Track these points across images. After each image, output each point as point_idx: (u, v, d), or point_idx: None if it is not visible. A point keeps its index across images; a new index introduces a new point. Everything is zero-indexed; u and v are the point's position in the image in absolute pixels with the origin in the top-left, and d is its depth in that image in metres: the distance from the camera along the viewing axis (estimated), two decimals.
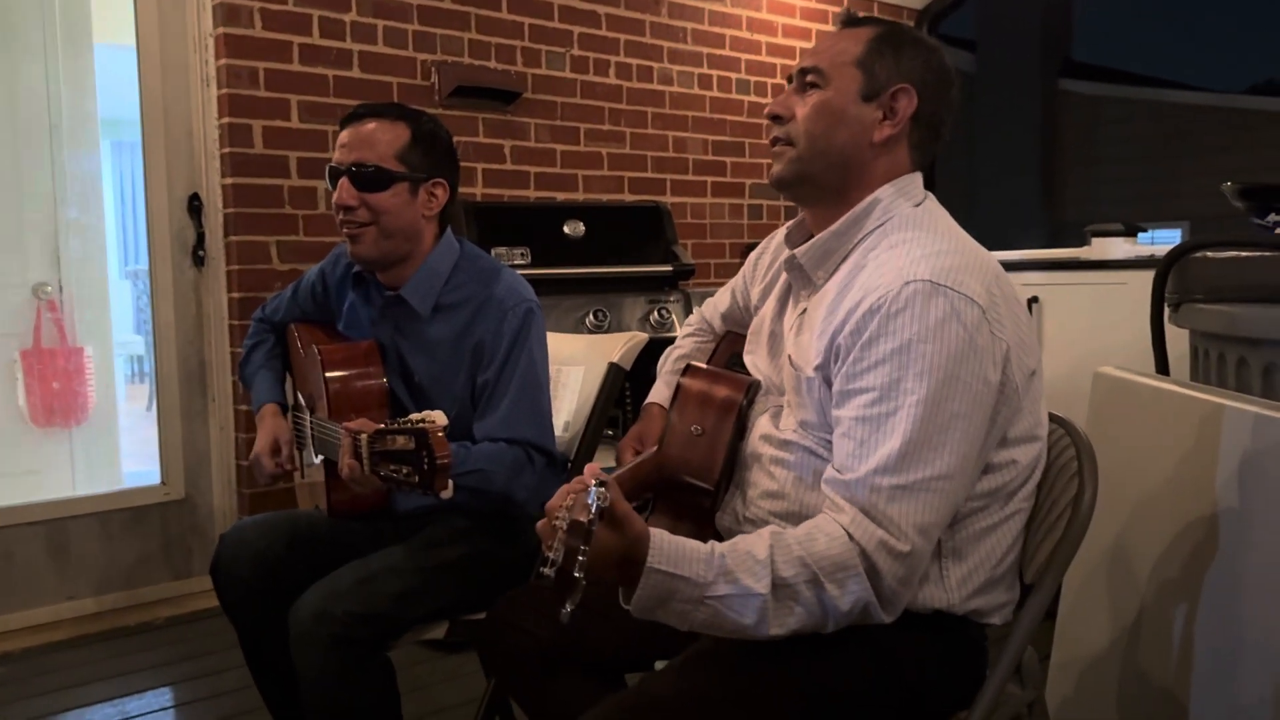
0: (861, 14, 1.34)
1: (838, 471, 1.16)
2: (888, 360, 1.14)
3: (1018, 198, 12.11)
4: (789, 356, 1.33)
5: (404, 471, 1.37)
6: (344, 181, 1.72)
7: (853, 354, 1.17)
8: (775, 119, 1.32)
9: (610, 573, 1.09)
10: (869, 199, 1.29)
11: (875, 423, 1.14)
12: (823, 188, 1.31)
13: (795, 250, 1.34)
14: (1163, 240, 10.75)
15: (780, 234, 1.49)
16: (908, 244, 1.22)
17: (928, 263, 1.18)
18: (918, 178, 1.34)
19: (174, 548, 3.21)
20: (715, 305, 1.67)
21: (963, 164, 11.79)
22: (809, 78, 1.30)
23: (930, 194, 1.34)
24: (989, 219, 11.97)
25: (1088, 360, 2.19)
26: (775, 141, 1.32)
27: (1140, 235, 3.42)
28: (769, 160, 1.35)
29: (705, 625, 1.11)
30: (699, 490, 1.37)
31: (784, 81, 4.42)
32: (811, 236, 1.34)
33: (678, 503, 1.41)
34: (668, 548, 1.09)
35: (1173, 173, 11.15)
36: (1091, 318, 2.94)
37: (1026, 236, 10.67)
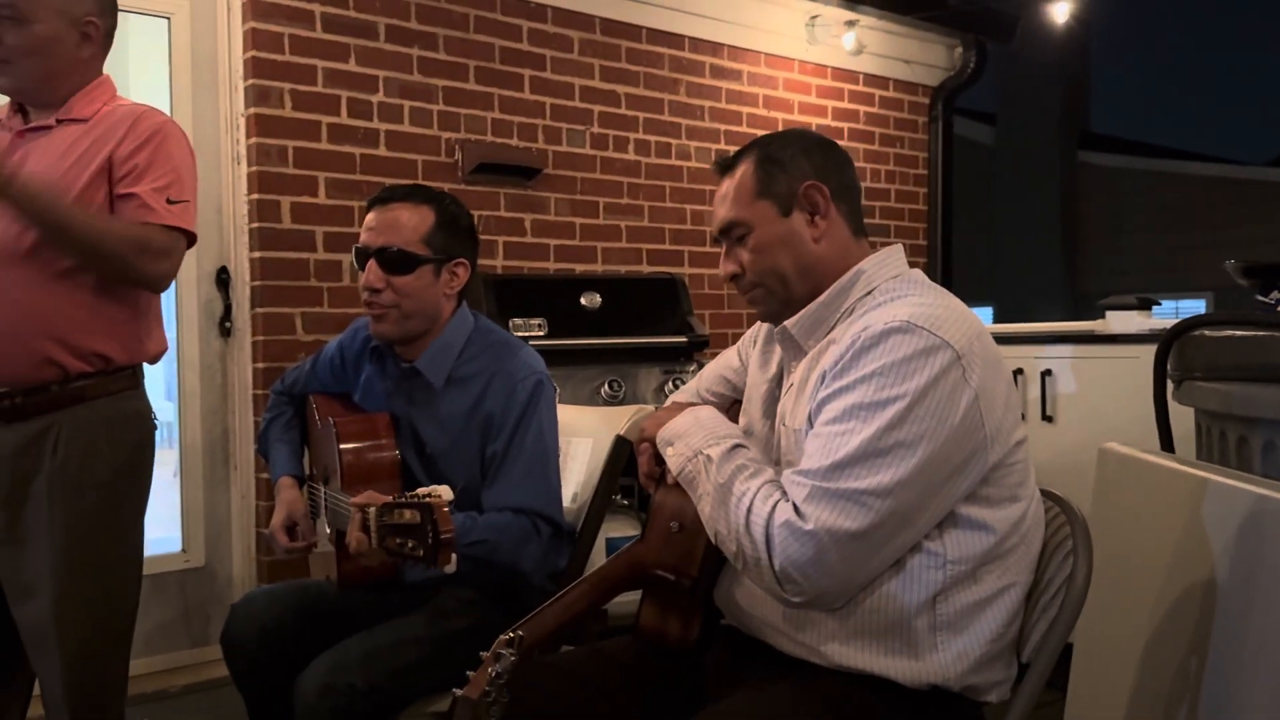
0: (728, 154, 1.47)
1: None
2: (853, 388, 1.22)
3: (1039, 270, 12.13)
4: (783, 420, 1.39)
5: (409, 545, 1.40)
6: (372, 263, 1.79)
7: (826, 381, 1.26)
8: (734, 278, 1.42)
9: (671, 413, 1.43)
10: (853, 270, 1.37)
11: (825, 439, 1.22)
12: (801, 299, 1.40)
13: (786, 322, 1.39)
14: (1186, 312, 10.68)
15: None
16: (895, 302, 1.30)
17: (909, 309, 1.25)
18: (898, 251, 1.40)
19: (193, 615, 3.24)
20: (716, 371, 1.70)
21: (982, 236, 11.86)
22: (736, 232, 1.40)
23: (916, 270, 1.39)
24: (1010, 292, 11.98)
25: (1101, 435, 2.20)
26: (747, 290, 1.42)
27: (1163, 307, 3.43)
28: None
29: (688, 478, 1.34)
30: (677, 586, 1.41)
31: None
32: None
33: (662, 597, 1.44)
34: (711, 413, 1.41)
35: (1195, 244, 11.15)
36: (1105, 392, 2.95)
37: (1048, 309, 10.67)
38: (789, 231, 1.37)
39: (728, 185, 1.41)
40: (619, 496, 3.19)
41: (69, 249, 1.71)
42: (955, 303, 1.31)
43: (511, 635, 1.24)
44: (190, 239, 1.84)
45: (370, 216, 1.82)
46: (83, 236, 1.71)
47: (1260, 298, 2.03)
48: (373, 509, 1.46)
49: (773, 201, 1.37)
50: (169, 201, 1.79)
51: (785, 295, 1.39)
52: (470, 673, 1.22)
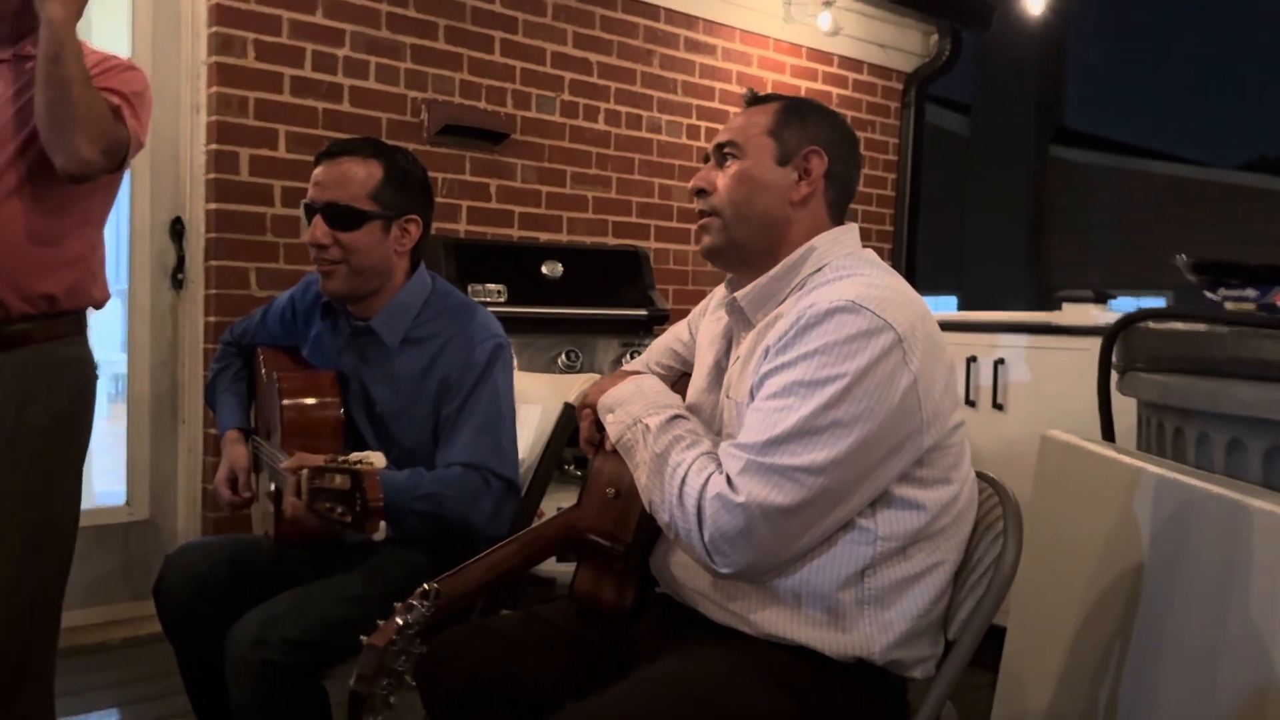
0: (765, 93, 1.46)
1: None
2: (794, 365, 1.22)
3: (1005, 263, 12.23)
4: (728, 391, 1.40)
5: (338, 510, 1.39)
6: (318, 219, 1.76)
7: (769, 356, 1.26)
8: (700, 193, 1.41)
9: (615, 381, 1.43)
10: (805, 246, 1.37)
11: (764, 414, 1.22)
12: (751, 250, 1.39)
13: (736, 293, 1.39)
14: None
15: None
16: (843, 279, 1.31)
17: (856, 289, 1.25)
18: (853, 230, 1.40)
19: (135, 568, 3.20)
20: (665, 344, 1.70)
21: (951, 226, 11.94)
22: (726, 150, 1.40)
23: (869, 249, 1.40)
24: (975, 283, 12.08)
25: (1049, 424, 2.22)
26: (702, 215, 1.41)
27: (1124, 302, 3.46)
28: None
29: (626, 445, 1.35)
30: (610, 551, 1.41)
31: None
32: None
33: (597, 562, 1.44)
34: (653, 383, 1.42)
35: (1160, 243, 11.27)
36: (1056, 382, 2.98)
37: (1013, 302, 10.76)
38: (775, 178, 1.37)
39: (747, 113, 1.42)
40: (571, 467, 3.19)
41: (52, 77, 1.69)
42: (902, 284, 1.32)
43: (428, 587, 1.24)
44: (130, 152, 1.82)
45: (318, 170, 1.78)
46: (74, 73, 1.69)
47: (1208, 294, 2.05)
48: (305, 471, 1.45)
49: (777, 145, 1.37)
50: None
51: (734, 236, 1.38)
52: (380, 621, 1.22)
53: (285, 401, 1.77)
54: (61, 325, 1.83)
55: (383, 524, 1.38)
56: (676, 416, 1.34)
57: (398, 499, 1.60)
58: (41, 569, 1.82)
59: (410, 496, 1.64)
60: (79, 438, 1.89)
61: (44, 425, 1.79)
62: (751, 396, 1.28)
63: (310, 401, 1.80)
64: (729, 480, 1.21)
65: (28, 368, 1.77)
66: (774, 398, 1.22)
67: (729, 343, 1.47)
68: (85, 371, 1.88)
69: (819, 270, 1.35)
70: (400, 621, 1.20)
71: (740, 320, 1.42)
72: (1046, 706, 1.78)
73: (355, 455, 1.41)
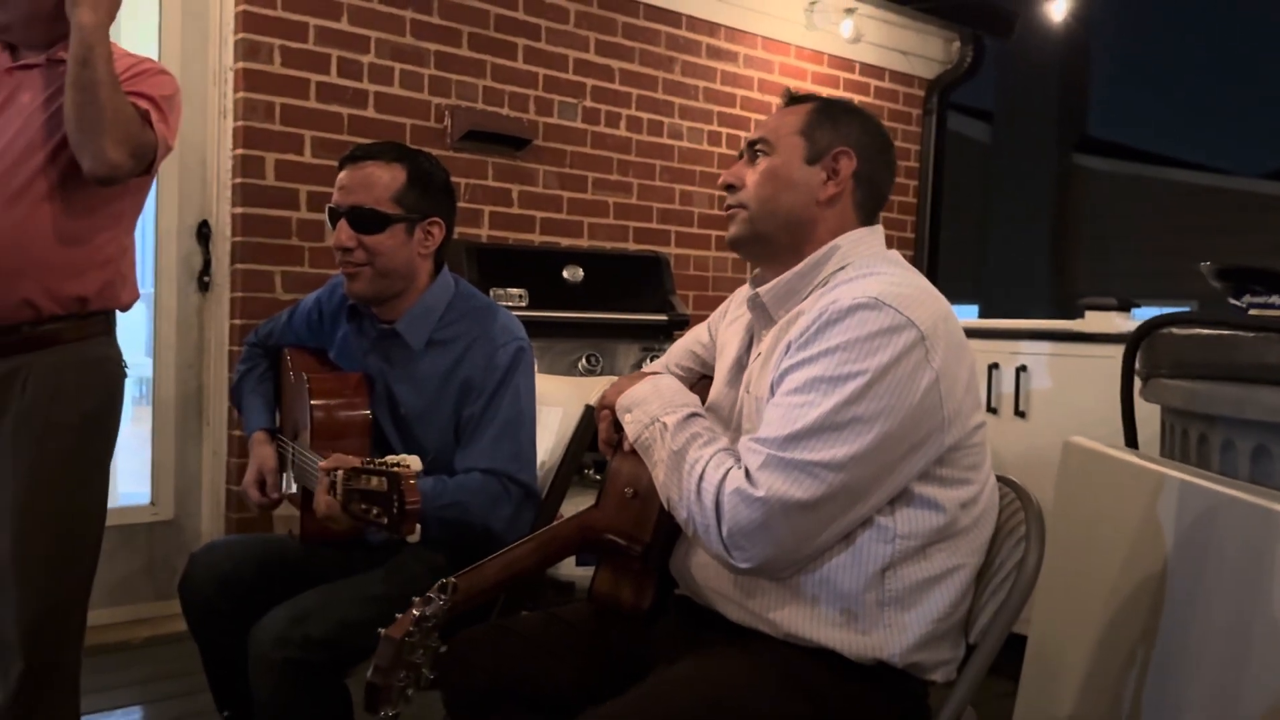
0: (804, 93, 1.47)
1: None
2: (815, 361, 1.23)
3: (1027, 271, 12.17)
4: (748, 387, 1.40)
5: (374, 512, 1.41)
6: (342, 223, 1.78)
7: (790, 351, 1.27)
8: (729, 188, 1.43)
9: (633, 381, 1.44)
10: (830, 244, 1.38)
11: (784, 409, 1.23)
12: (775, 245, 1.40)
13: (759, 289, 1.40)
14: None
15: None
16: (866, 277, 1.31)
17: (879, 286, 1.26)
18: (879, 231, 1.41)
19: (159, 568, 3.23)
20: (685, 346, 1.71)
21: (973, 234, 11.89)
22: (758, 147, 1.42)
23: (894, 250, 1.40)
24: (997, 292, 12.02)
25: (1072, 431, 2.21)
26: (729, 207, 1.43)
27: (1148, 311, 3.43)
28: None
29: (644, 444, 1.36)
30: (628, 551, 1.42)
31: None
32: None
33: (616, 563, 1.45)
34: (670, 383, 1.43)
35: (1185, 251, 11.18)
36: (1078, 389, 2.96)
37: (1034, 311, 10.70)
38: (801, 177, 1.38)
39: (781, 112, 1.44)
40: (591, 471, 3.20)
41: (81, 81, 1.70)
42: (925, 284, 1.33)
43: (445, 582, 1.25)
44: (158, 155, 1.83)
45: (342, 175, 1.81)
46: (103, 76, 1.70)
47: (1233, 300, 2.04)
48: (340, 472, 1.47)
49: (807, 144, 1.39)
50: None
51: (759, 230, 1.40)
52: (399, 614, 1.23)
53: (315, 402, 1.79)
54: (91, 325, 1.85)
55: (418, 527, 1.39)
56: (693, 414, 1.35)
57: (425, 506, 1.61)
58: (68, 566, 1.84)
59: (436, 504, 1.66)
60: (107, 436, 1.91)
61: (73, 424, 1.81)
62: (772, 392, 1.29)
63: (339, 402, 1.82)
64: (748, 474, 1.22)
65: (57, 368, 1.80)
66: (795, 393, 1.23)
67: (750, 339, 1.48)
68: (114, 371, 1.90)
69: (842, 269, 1.36)
70: (417, 614, 1.21)
71: (762, 316, 1.42)
72: (1068, 715, 1.77)
73: (392, 458, 1.42)
